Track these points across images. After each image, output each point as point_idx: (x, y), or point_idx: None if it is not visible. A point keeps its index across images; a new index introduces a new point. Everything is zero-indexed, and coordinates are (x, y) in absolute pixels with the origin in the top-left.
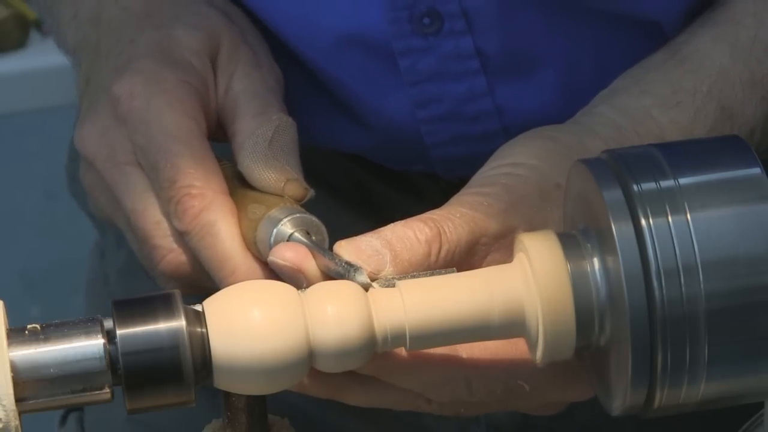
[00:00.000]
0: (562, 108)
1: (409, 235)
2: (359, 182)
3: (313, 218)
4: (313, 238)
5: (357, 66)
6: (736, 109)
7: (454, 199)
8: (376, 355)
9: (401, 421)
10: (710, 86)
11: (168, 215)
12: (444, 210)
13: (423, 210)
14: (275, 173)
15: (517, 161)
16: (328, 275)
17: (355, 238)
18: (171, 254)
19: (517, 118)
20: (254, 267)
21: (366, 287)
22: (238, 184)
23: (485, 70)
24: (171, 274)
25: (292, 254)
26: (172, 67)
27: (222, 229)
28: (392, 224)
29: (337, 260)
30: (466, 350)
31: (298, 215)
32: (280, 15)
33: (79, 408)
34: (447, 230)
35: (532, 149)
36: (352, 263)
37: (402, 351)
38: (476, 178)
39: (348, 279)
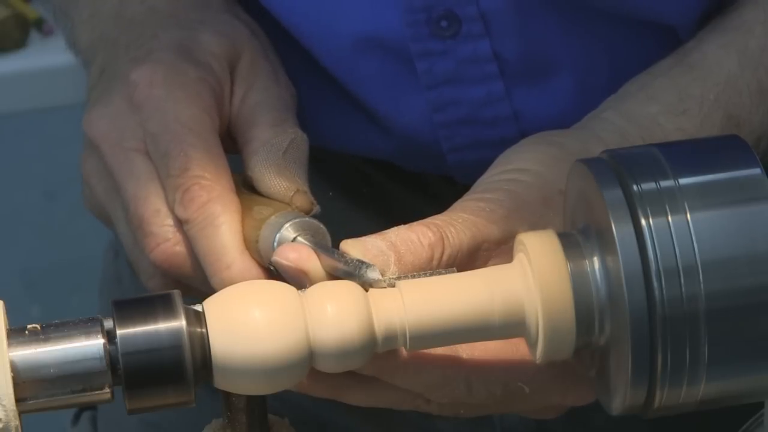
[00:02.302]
0: (579, 113)
1: (412, 238)
2: (375, 186)
3: (315, 222)
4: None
5: (374, 69)
6: (743, 118)
7: (457, 205)
8: (376, 356)
9: (413, 424)
10: (718, 94)
11: (171, 205)
12: (446, 215)
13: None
14: (286, 181)
15: (521, 167)
16: (334, 276)
17: (361, 238)
18: (166, 243)
19: (534, 122)
20: (250, 265)
21: (377, 284)
22: (244, 190)
23: (503, 74)
24: (161, 264)
25: (296, 255)
26: (192, 64)
27: (225, 222)
28: (396, 227)
29: (347, 258)
30: (467, 351)
31: (300, 219)
32: (298, 17)
33: (92, 407)
34: (450, 235)
35: (536, 155)
36: (364, 260)
37: (402, 351)
38: (479, 184)
39: (359, 276)
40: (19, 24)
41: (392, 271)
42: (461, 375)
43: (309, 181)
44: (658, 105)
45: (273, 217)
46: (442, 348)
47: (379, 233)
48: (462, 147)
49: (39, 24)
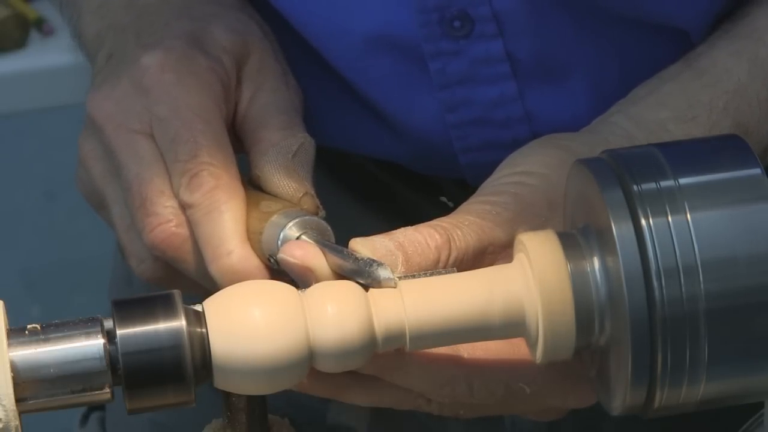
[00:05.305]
0: (591, 115)
1: (419, 239)
2: (384, 187)
3: (322, 221)
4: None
5: (386, 69)
6: (752, 127)
7: (463, 207)
8: (376, 355)
9: (423, 426)
10: (727, 102)
11: (176, 189)
12: (452, 217)
13: None
14: (295, 183)
15: (527, 170)
16: (340, 274)
17: (369, 237)
18: (167, 224)
19: (547, 124)
20: (250, 254)
21: (387, 283)
22: (251, 188)
23: (515, 75)
24: (158, 245)
25: (302, 252)
26: (203, 55)
27: (230, 209)
28: (402, 228)
29: (356, 256)
30: (468, 351)
31: (306, 217)
32: (309, 16)
33: (100, 408)
34: (456, 237)
35: (542, 158)
36: (375, 259)
37: (403, 351)
38: (486, 186)
39: (368, 274)
40: (19, 24)
41: (400, 271)
42: (462, 375)
43: (317, 181)
44: (668, 111)
45: (278, 214)
46: (444, 348)
47: (386, 233)
48: (474, 148)
49: (39, 24)
